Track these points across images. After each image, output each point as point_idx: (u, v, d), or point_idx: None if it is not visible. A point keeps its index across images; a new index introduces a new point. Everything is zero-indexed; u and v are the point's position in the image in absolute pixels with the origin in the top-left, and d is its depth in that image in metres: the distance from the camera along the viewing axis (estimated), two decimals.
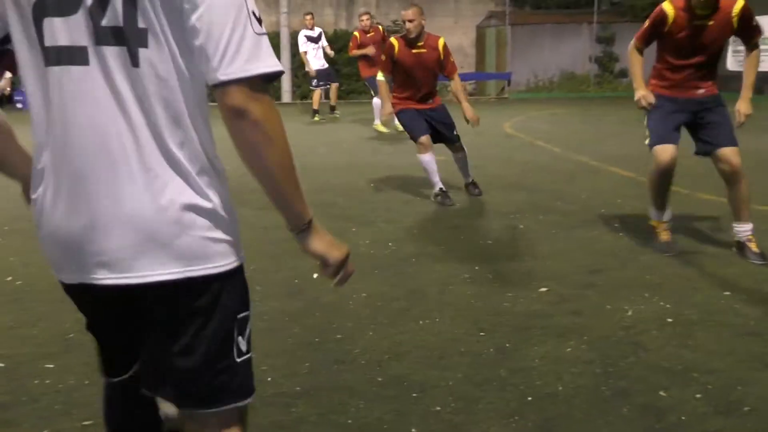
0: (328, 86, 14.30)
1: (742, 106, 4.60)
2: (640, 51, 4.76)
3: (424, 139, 6.44)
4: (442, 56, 6.54)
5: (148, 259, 1.48)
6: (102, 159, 1.46)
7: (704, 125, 4.68)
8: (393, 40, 6.61)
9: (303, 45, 14.04)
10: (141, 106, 1.44)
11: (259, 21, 1.46)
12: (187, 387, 1.59)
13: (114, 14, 1.41)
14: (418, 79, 6.54)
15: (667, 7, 4.55)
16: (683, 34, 4.55)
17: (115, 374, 1.83)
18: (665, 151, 4.59)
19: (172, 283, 1.50)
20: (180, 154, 1.47)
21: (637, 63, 4.77)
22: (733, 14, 4.53)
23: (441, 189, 6.48)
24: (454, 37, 21.80)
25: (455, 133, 6.65)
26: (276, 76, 1.46)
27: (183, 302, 1.53)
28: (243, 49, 1.41)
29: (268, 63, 1.44)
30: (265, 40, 1.47)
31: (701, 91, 4.68)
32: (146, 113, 1.45)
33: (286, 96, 19.62)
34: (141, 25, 1.41)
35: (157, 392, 1.67)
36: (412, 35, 6.43)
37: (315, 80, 14.14)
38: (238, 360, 1.61)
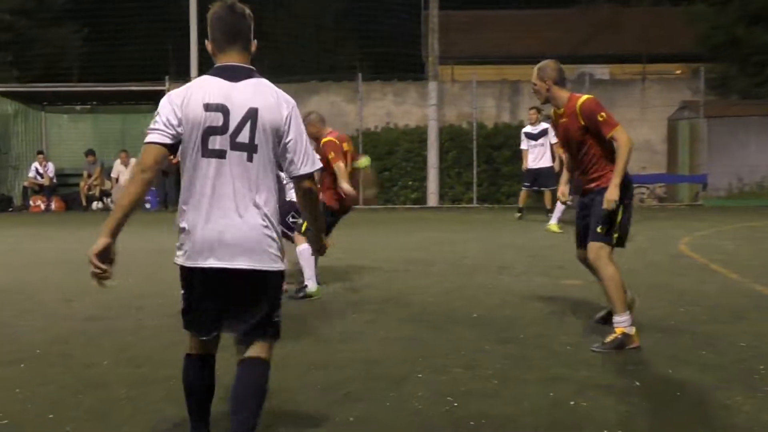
0: (540, 190, 14.94)
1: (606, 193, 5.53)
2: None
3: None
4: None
5: None
6: None
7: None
8: None
9: (522, 142, 15.33)
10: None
11: None
12: None
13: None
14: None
15: None
16: (558, 131, 5.97)
17: None
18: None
19: None
20: None
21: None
22: (577, 109, 5.60)
23: None
24: (640, 130, 21.08)
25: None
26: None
27: None
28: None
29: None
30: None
31: (591, 184, 5.73)
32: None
33: (432, 199, 19.60)
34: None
35: None
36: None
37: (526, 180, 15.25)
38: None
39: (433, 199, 19.46)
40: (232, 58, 3.42)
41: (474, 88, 20.83)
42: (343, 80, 22.43)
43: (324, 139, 7.84)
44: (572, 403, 4.49)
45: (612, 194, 5.53)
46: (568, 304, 7.19)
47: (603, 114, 5.58)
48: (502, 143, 19.81)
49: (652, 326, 6.33)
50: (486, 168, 20.09)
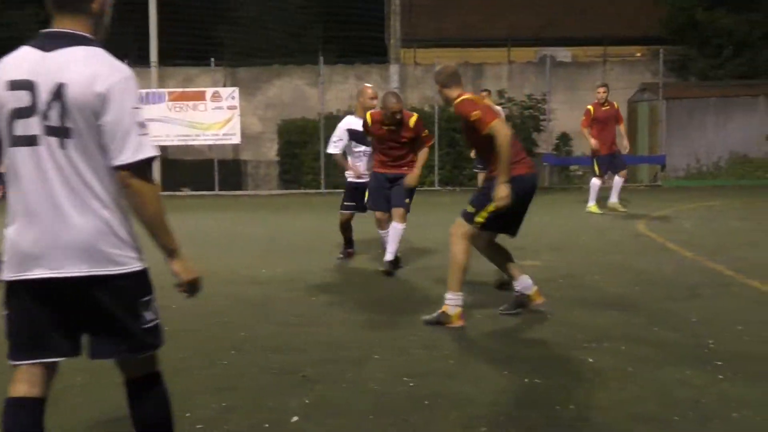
0: None
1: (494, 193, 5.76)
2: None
3: None
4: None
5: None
6: None
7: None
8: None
9: None
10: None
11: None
12: None
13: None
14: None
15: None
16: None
17: None
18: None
19: None
20: None
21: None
22: (455, 110, 6.06)
23: None
24: None
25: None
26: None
27: None
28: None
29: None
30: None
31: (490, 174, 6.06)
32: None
33: None
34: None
35: None
36: None
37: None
38: None
39: None
40: (62, 24, 2.80)
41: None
42: (305, 64, 22.31)
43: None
44: (527, 380, 4.55)
45: (500, 192, 5.65)
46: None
47: (475, 113, 5.72)
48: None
49: (609, 304, 6.44)
50: (449, 151, 20.13)
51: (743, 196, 15.59)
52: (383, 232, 8.23)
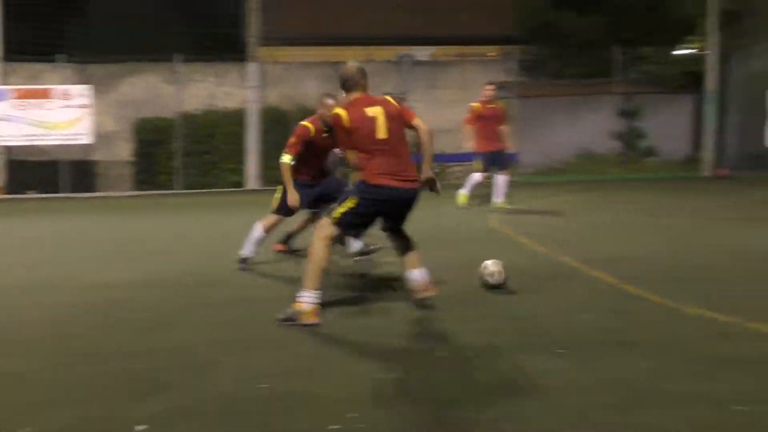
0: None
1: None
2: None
3: None
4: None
5: None
6: None
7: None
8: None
9: None
10: None
11: None
12: None
13: None
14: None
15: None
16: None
17: None
18: None
19: None
20: None
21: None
22: None
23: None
24: (458, 110, 21.80)
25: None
26: None
27: None
28: None
29: None
30: None
31: None
32: None
33: (252, 181, 19.48)
34: None
35: None
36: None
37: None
38: None
39: (253, 182, 19.31)
40: None
41: (296, 70, 20.78)
42: (161, 61, 21.72)
43: None
44: (379, 376, 4.61)
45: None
46: (382, 282, 7.35)
47: (334, 130, 6.24)
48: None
49: (461, 299, 6.60)
50: None
51: (590, 191, 16.37)
52: (266, 235, 8.20)
